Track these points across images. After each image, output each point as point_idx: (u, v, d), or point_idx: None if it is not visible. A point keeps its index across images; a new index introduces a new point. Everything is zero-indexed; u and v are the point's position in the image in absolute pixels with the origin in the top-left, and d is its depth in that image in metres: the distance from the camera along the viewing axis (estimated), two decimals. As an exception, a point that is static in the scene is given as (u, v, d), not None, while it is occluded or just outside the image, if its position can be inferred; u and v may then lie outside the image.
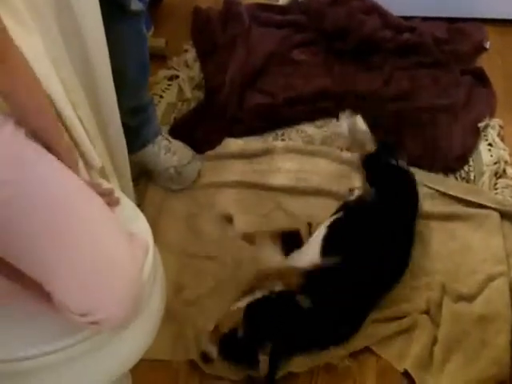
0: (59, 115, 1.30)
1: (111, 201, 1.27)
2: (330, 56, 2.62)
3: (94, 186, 1.20)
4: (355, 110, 2.36)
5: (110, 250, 1.07)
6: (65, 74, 1.38)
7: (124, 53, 1.78)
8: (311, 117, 2.37)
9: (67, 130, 1.34)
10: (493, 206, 2.02)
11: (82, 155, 1.38)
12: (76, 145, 1.36)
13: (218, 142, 2.25)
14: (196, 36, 2.70)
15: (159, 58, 2.54)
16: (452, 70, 2.56)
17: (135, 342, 1.21)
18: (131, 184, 1.80)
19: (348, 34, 2.63)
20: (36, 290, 1.08)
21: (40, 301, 1.10)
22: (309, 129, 2.34)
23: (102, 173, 1.48)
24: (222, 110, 2.33)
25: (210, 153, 2.21)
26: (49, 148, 1.11)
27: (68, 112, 1.33)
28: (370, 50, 2.63)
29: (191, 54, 2.62)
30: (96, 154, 1.42)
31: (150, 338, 1.24)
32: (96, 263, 1.05)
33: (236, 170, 2.17)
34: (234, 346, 1.61)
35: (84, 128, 1.41)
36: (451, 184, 2.14)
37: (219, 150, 2.23)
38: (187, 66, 2.57)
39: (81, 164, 1.33)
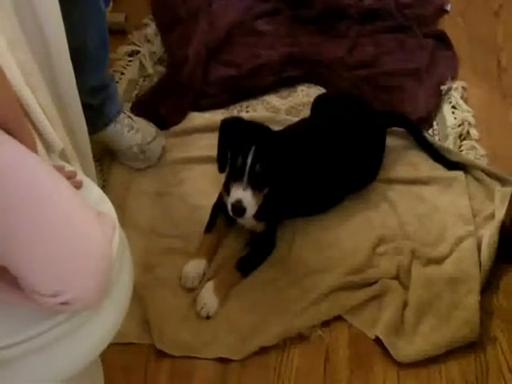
0: (18, 100, 1.28)
1: (74, 183, 1.27)
2: (295, 25, 2.62)
3: (57, 170, 1.18)
4: (320, 78, 2.38)
5: (79, 227, 1.06)
6: (22, 56, 1.35)
7: (83, 30, 1.75)
8: (276, 86, 2.36)
9: (26, 114, 1.31)
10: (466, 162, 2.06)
11: (42, 138, 1.36)
12: (35, 128, 1.34)
13: (183, 117, 2.23)
14: (156, 10, 2.66)
15: (119, 34, 2.50)
16: (415, 33, 2.57)
17: (107, 323, 1.20)
18: (93, 164, 1.78)
19: (312, 3, 2.63)
20: (5, 279, 1.07)
21: (11, 290, 1.09)
22: (273, 100, 2.33)
23: (63, 155, 1.46)
24: (185, 84, 2.31)
25: (175, 128, 2.19)
26: (11, 133, 1.09)
27: (26, 95, 1.31)
28: (334, 17, 2.63)
29: (151, 29, 2.58)
30: (56, 137, 1.40)
31: (121, 319, 1.23)
32: (65, 241, 1.04)
33: (202, 145, 2.15)
34: None
35: (43, 111, 1.39)
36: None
37: (184, 125, 2.21)
38: (148, 40, 2.54)
39: (41, 147, 1.32)
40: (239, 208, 1.66)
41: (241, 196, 1.66)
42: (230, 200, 1.68)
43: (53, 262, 1.03)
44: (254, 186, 1.67)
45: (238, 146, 1.69)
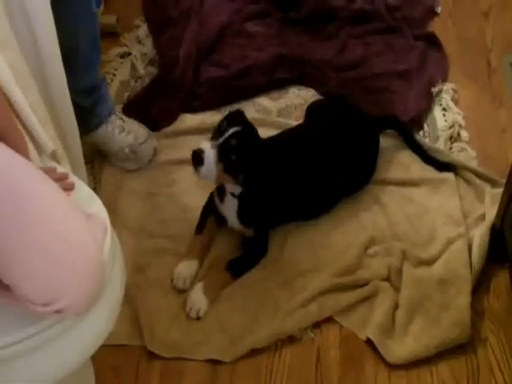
0: (8, 101, 1.28)
1: (66, 185, 1.27)
2: (284, 27, 2.61)
3: (48, 172, 1.18)
4: (310, 79, 2.38)
5: (69, 235, 1.05)
6: (13, 58, 1.35)
7: (75, 31, 1.75)
8: (266, 88, 2.36)
9: (17, 115, 1.31)
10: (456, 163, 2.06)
11: (34, 140, 1.35)
12: (27, 130, 1.34)
13: (174, 118, 2.23)
14: (148, 11, 2.66)
15: (110, 36, 2.49)
16: (405, 35, 2.57)
17: (98, 325, 1.20)
18: (84, 166, 1.78)
19: (302, 4, 2.63)
20: None
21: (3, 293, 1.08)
22: (264, 101, 2.33)
23: (54, 157, 1.46)
24: (177, 86, 2.31)
25: (166, 130, 2.19)
26: (3, 138, 1.08)
27: (17, 97, 1.30)
28: (323, 18, 2.62)
29: (143, 30, 2.58)
30: (47, 139, 1.39)
31: (113, 319, 1.23)
32: (55, 250, 1.02)
33: (194, 146, 2.13)
34: None
35: (34, 113, 1.38)
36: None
37: (176, 126, 2.21)
38: (139, 42, 2.53)
39: (32, 149, 1.31)
40: (198, 156, 1.66)
41: (206, 148, 1.66)
42: (196, 147, 1.68)
43: (40, 272, 1.02)
44: (222, 154, 1.66)
45: (231, 117, 1.73)
